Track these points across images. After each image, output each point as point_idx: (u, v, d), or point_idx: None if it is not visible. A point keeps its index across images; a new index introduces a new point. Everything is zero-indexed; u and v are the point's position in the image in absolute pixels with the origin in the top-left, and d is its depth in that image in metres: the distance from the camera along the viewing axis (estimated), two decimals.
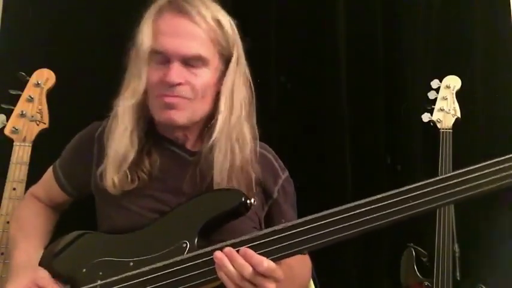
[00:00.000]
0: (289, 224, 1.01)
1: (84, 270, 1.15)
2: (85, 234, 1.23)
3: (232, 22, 1.22)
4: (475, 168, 0.94)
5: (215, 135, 1.17)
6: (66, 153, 1.35)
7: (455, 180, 0.94)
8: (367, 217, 0.97)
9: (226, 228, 1.14)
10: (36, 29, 2.02)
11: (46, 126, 1.68)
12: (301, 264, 1.24)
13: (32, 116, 1.66)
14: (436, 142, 1.96)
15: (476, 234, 2.03)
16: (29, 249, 1.25)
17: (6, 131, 1.65)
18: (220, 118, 1.18)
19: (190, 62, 1.15)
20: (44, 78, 1.69)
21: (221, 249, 1.00)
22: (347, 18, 2.16)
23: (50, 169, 1.38)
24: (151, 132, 1.24)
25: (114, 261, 1.13)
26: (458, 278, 1.85)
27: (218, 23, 1.18)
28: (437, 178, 0.96)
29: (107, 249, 1.16)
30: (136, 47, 1.18)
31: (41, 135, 1.67)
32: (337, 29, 2.14)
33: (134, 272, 1.09)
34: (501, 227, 2.08)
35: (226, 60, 1.21)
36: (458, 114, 2.00)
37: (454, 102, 2.01)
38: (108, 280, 1.11)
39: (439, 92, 2.03)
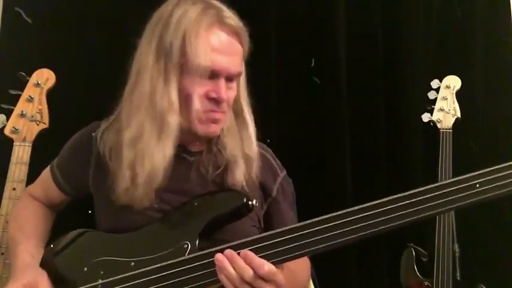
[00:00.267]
0: (291, 226, 1.00)
1: (85, 269, 1.15)
2: (85, 232, 1.22)
3: None
4: (478, 174, 0.94)
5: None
6: (64, 153, 1.34)
7: (457, 187, 0.94)
8: (372, 221, 0.96)
9: (226, 227, 1.13)
10: (36, 29, 2.02)
11: (46, 126, 1.68)
12: (302, 267, 1.24)
13: (32, 116, 1.66)
14: (436, 142, 1.96)
15: (476, 234, 2.03)
16: (29, 248, 1.24)
17: (6, 131, 1.65)
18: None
19: (232, 77, 1.17)
20: (44, 78, 1.69)
21: (222, 251, 1.00)
22: (347, 18, 2.16)
23: (48, 168, 1.37)
24: None
25: (115, 261, 1.13)
26: (458, 278, 1.85)
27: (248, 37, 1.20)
28: (438, 184, 0.96)
29: (108, 249, 1.16)
30: (175, 60, 1.13)
31: (41, 135, 1.67)
32: (337, 29, 2.14)
33: (135, 272, 1.08)
34: (501, 227, 2.08)
35: None
36: (458, 114, 2.00)
37: (454, 102, 2.01)
38: (109, 280, 1.11)
39: (439, 92, 2.03)
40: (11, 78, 1.70)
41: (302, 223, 1.00)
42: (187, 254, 1.07)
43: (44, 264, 1.21)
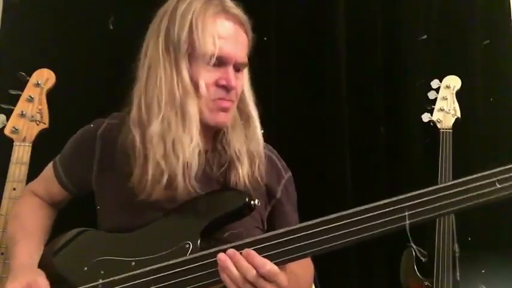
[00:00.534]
0: (294, 227, 1.00)
1: (85, 268, 1.14)
2: (85, 231, 1.22)
3: None
4: (478, 177, 0.94)
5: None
6: (66, 150, 1.33)
7: (457, 189, 0.93)
8: (377, 222, 0.96)
9: (228, 227, 1.13)
10: (36, 29, 2.02)
11: (46, 126, 1.68)
12: (305, 269, 1.23)
13: (32, 116, 1.66)
14: (436, 142, 1.96)
15: (476, 234, 2.03)
16: (30, 247, 1.23)
17: (6, 131, 1.65)
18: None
19: (239, 67, 1.19)
20: (44, 78, 1.69)
21: (224, 251, 0.99)
22: (347, 19, 2.16)
23: (50, 165, 1.35)
24: None
25: (115, 261, 1.12)
26: (458, 278, 1.85)
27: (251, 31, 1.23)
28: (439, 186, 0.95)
29: (108, 248, 1.15)
30: (183, 50, 1.14)
31: (41, 135, 1.67)
32: (337, 29, 2.14)
33: (136, 272, 1.08)
34: (501, 227, 2.08)
35: None
36: (458, 114, 2.00)
37: (454, 102, 2.01)
38: (110, 279, 1.10)
39: (439, 92, 2.03)
40: (11, 78, 1.69)
41: (305, 223, 1.00)
42: (189, 254, 1.07)
43: (42, 264, 1.20)
